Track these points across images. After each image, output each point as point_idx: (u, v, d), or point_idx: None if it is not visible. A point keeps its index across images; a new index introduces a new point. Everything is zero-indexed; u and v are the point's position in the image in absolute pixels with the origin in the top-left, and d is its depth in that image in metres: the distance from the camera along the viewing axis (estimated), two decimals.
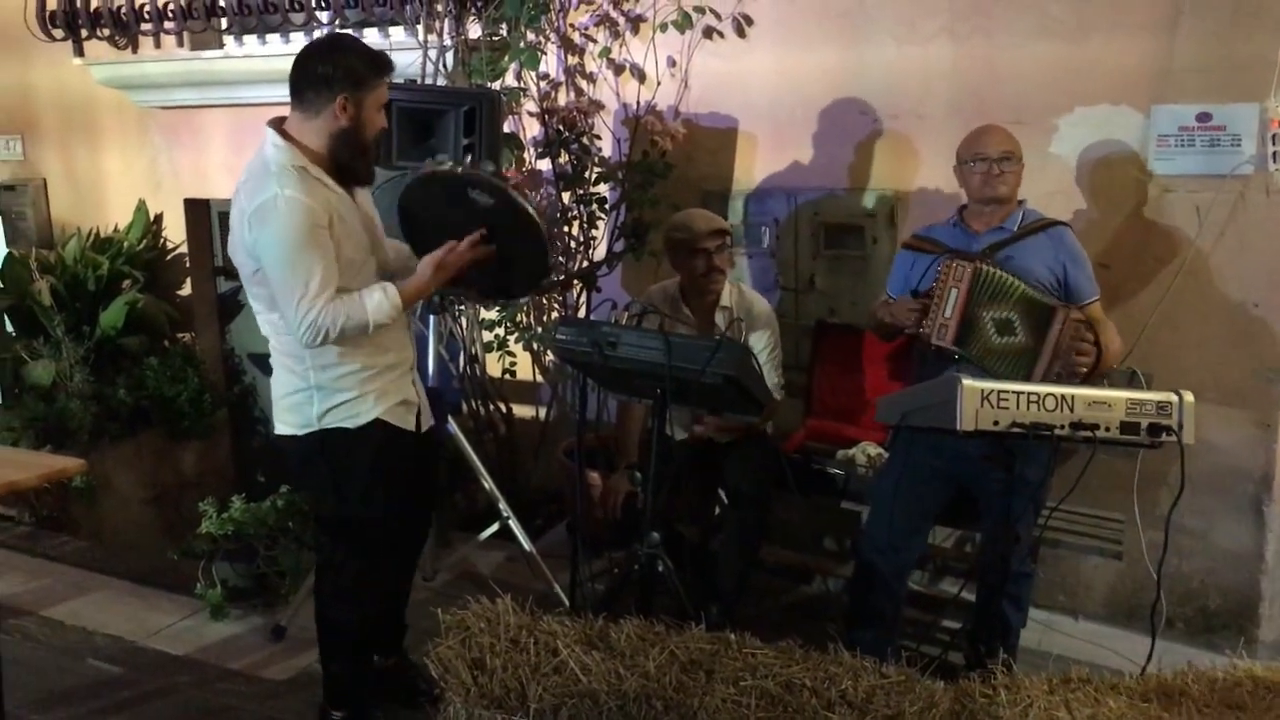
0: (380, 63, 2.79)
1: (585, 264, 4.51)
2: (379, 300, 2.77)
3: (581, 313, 4.48)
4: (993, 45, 3.94)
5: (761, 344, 3.70)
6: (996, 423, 2.50)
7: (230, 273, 5.89)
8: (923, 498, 3.32)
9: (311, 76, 2.73)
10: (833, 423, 4.20)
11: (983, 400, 2.49)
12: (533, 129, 4.55)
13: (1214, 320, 3.79)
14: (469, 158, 3.05)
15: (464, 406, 4.80)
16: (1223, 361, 3.80)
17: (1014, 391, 2.51)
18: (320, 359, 2.83)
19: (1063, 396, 2.52)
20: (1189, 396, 2.61)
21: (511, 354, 4.73)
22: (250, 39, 5.02)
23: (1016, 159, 3.26)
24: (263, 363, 5.83)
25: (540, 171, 4.52)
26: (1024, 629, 3.50)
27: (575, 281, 4.28)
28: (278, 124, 2.79)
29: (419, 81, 4.39)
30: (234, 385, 5.95)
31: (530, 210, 2.91)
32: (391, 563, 3.21)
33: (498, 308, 4.51)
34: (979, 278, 3.05)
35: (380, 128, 2.84)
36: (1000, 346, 3.09)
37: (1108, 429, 2.54)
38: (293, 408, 2.91)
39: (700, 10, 4.25)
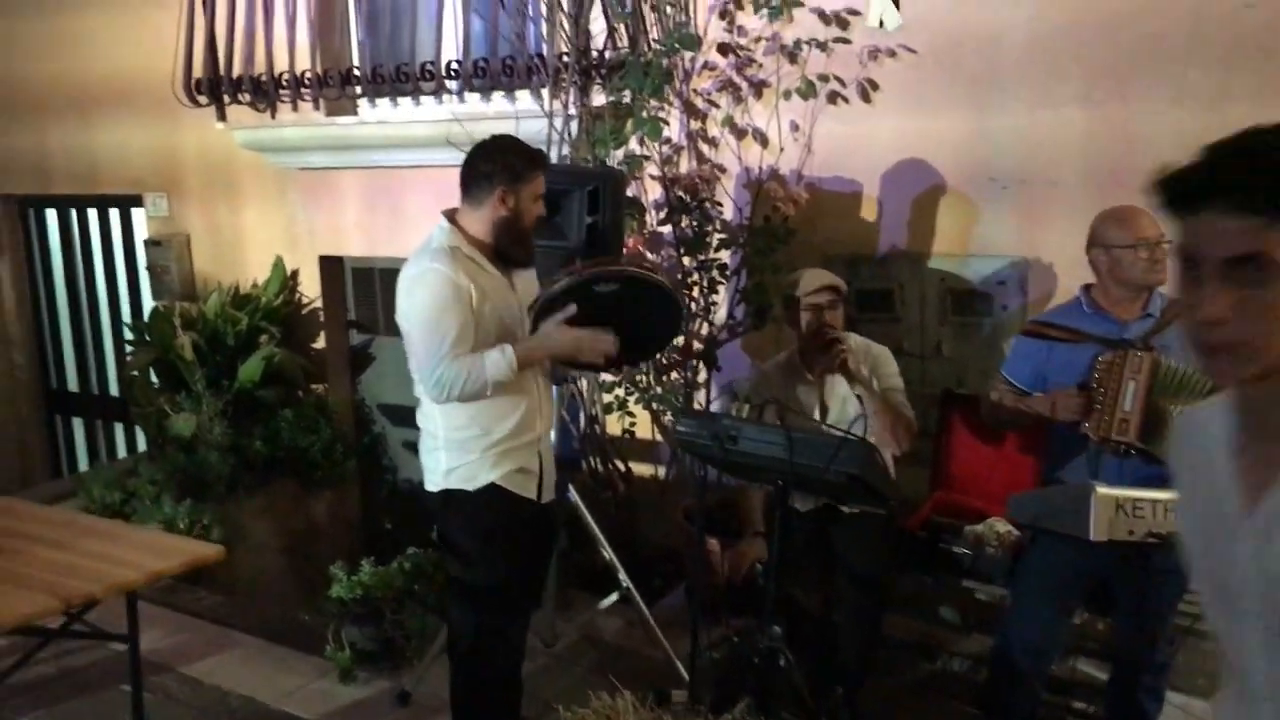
0: (535, 159, 3.13)
1: (706, 328, 4.52)
2: (495, 358, 3.02)
3: (701, 392, 4.51)
4: (1128, 112, 3.82)
5: (890, 381, 3.66)
6: (1131, 532, 2.41)
7: (362, 326, 6.07)
8: (1066, 597, 3.20)
9: (475, 173, 3.10)
10: (960, 495, 4.10)
11: (1117, 509, 2.40)
12: (654, 191, 4.58)
13: None
14: (577, 262, 3.23)
15: (583, 465, 4.84)
16: None
17: (1150, 500, 2.41)
18: (451, 419, 3.13)
19: None
20: None
21: (631, 414, 4.75)
22: (383, 104, 5.17)
23: (1167, 240, 3.14)
24: (392, 412, 6.02)
25: (661, 234, 4.54)
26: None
27: (695, 359, 4.28)
28: (450, 213, 3.16)
29: (545, 148, 4.46)
30: (364, 435, 6.11)
31: (651, 274, 3.20)
32: (510, 626, 3.31)
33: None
34: (1159, 369, 2.92)
35: (538, 215, 3.16)
36: None
37: None
38: (429, 463, 3.22)
39: (824, 78, 4.22)
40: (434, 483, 3.21)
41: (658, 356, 4.58)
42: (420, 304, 3.02)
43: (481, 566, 3.17)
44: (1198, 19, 3.67)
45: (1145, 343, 3.02)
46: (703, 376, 4.53)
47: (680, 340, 4.56)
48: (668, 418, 4.90)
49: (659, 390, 4.73)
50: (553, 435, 3.59)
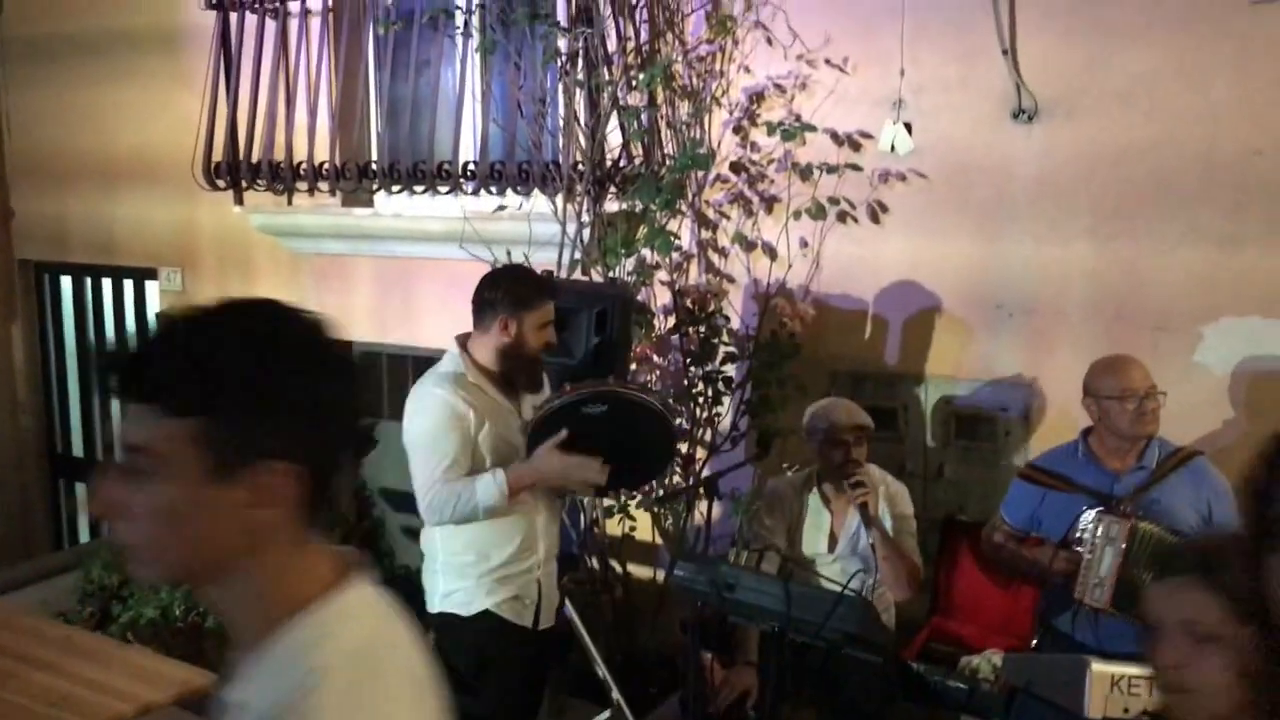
0: (541, 288, 3.20)
1: (708, 437, 4.53)
2: (486, 481, 3.05)
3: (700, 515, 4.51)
4: (1137, 249, 3.85)
5: (904, 524, 3.68)
6: (1126, 710, 2.39)
7: (369, 410, 6.08)
8: None
9: (481, 300, 3.17)
10: (958, 624, 4.08)
11: (1113, 686, 2.39)
12: (664, 296, 4.61)
13: None
14: (566, 385, 3.25)
15: (580, 566, 4.82)
16: None
17: (1146, 677, 2.39)
18: (449, 543, 3.18)
19: None
20: None
21: (632, 517, 4.74)
22: (399, 197, 5.22)
23: (1160, 391, 3.15)
24: (392, 497, 6.01)
25: (669, 340, 4.57)
26: None
27: (696, 482, 4.28)
28: (463, 339, 3.24)
29: (558, 253, 4.50)
30: (364, 519, 6.10)
31: (639, 395, 3.23)
32: None
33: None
34: (1135, 536, 2.93)
35: (545, 343, 3.20)
36: None
37: None
38: (428, 585, 3.27)
39: (835, 201, 4.27)
40: (432, 604, 3.23)
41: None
42: (419, 428, 3.10)
43: (476, 694, 3.16)
44: (1208, 161, 3.71)
45: (1132, 501, 3.03)
46: (703, 506, 4.53)
47: (684, 448, 4.58)
48: (668, 520, 4.90)
49: (660, 494, 4.73)
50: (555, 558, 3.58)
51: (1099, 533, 2.97)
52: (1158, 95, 3.75)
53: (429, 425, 3.06)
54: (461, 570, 3.16)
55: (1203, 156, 3.71)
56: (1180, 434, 3.48)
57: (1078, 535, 3.03)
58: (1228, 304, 3.72)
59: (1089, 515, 3.01)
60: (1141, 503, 3.05)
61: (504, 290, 3.14)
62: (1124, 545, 2.93)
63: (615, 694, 3.88)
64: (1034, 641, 3.49)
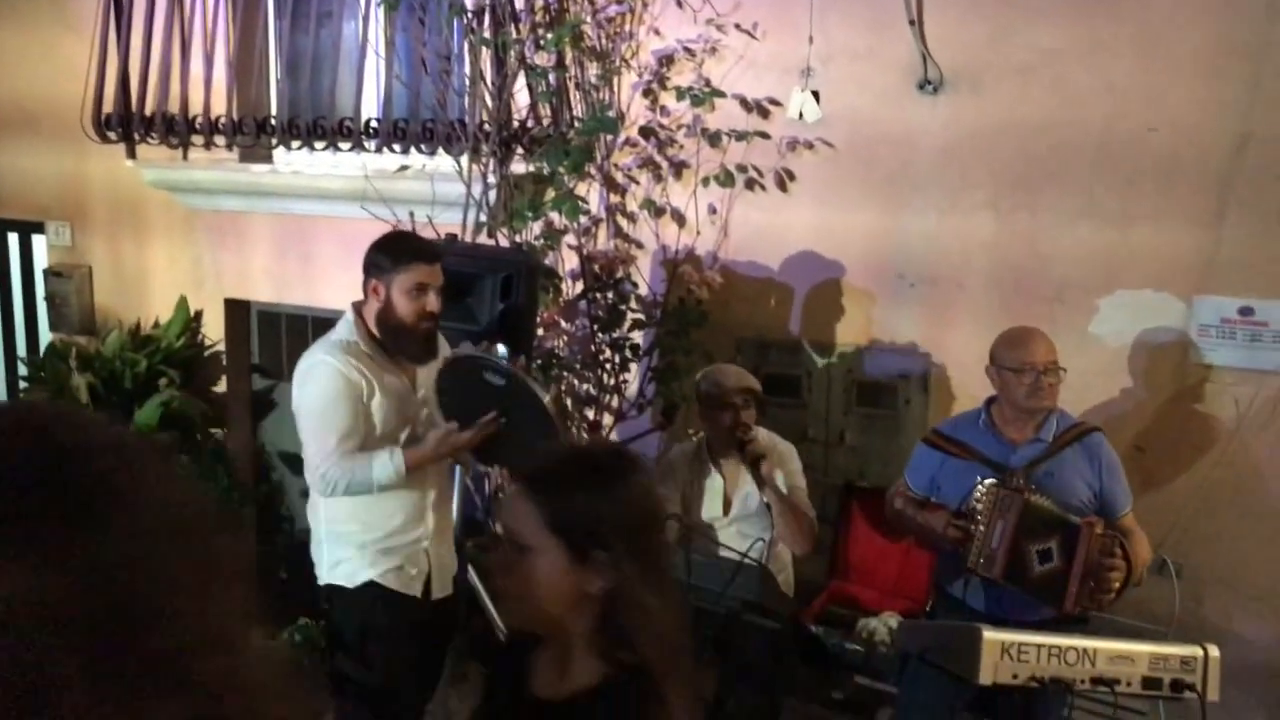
0: (415, 251, 3.09)
1: (615, 403, 4.52)
2: (383, 460, 2.99)
3: None
4: (1036, 223, 3.92)
5: (794, 480, 3.72)
6: (1015, 676, 2.46)
7: (265, 371, 5.95)
8: (947, 700, 3.25)
9: (363, 264, 3.09)
10: (856, 586, 4.16)
11: (1003, 653, 2.45)
12: (572, 261, 4.57)
13: (1250, 514, 3.73)
14: (484, 343, 3.20)
15: (486, 531, 4.79)
16: (1258, 556, 3.74)
17: (1035, 644, 2.46)
18: (331, 513, 3.13)
19: (1084, 650, 2.48)
20: (1214, 651, 2.55)
21: None
22: (299, 153, 5.08)
23: (1060, 368, 3.21)
24: (292, 460, 5.89)
25: (576, 304, 4.53)
26: None
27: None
28: (358, 305, 3.15)
29: (463, 215, 4.42)
30: (262, 483, 5.98)
31: (538, 393, 3.13)
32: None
33: None
34: (1027, 511, 3.00)
35: (420, 309, 3.06)
36: (1040, 575, 3.04)
37: (1129, 684, 2.49)
38: (315, 555, 3.21)
39: (743, 168, 4.27)
40: (320, 575, 3.19)
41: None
42: (309, 398, 3.03)
43: (366, 664, 3.14)
44: (1106, 138, 3.78)
45: (1025, 473, 3.10)
46: None
47: (591, 414, 4.57)
48: None
49: None
50: (455, 520, 3.55)
51: (992, 505, 3.03)
52: (1059, 71, 3.82)
53: (320, 396, 2.99)
54: (344, 539, 3.11)
55: (1101, 133, 3.78)
56: (1075, 403, 3.58)
57: (972, 505, 3.09)
58: (1122, 277, 3.82)
59: (982, 487, 3.07)
60: (1035, 475, 3.12)
61: (375, 252, 3.07)
62: (1015, 519, 2.99)
63: None
64: (928, 606, 3.56)
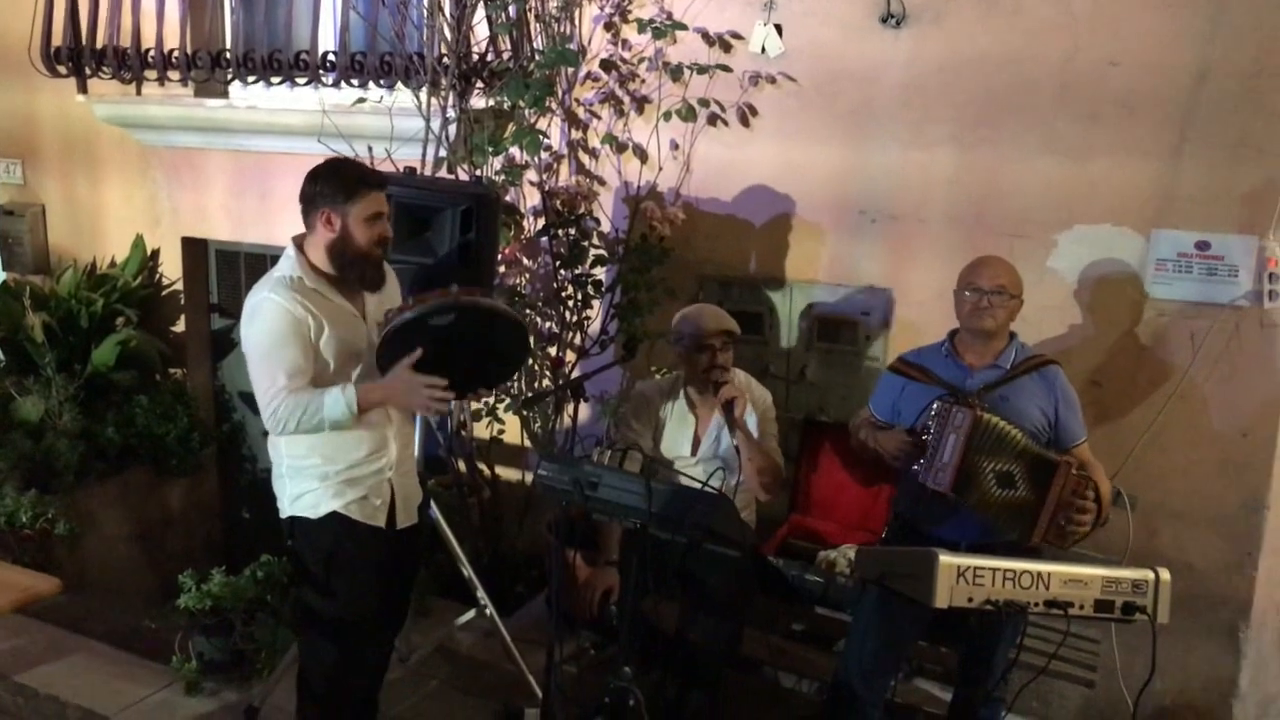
0: (364, 178, 3.03)
1: (578, 340, 4.52)
2: (335, 397, 2.95)
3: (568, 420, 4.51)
4: (998, 157, 3.92)
5: (767, 427, 3.75)
6: (970, 599, 2.49)
7: (225, 311, 5.89)
8: (901, 626, 3.32)
9: (305, 196, 3.03)
10: (817, 520, 4.20)
11: (958, 577, 2.48)
12: (533, 197, 4.53)
13: (1203, 446, 3.79)
14: (410, 300, 3.12)
15: (449, 469, 4.79)
16: (1209, 488, 3.81)
17: (989, 569, 2.50)
18: (291, 449, 3.11)
19: (1038, 574, 2.52)
20: (1165, 575, 2.59)
21: (500, 420, 4.72)
22: (255, 88, 4.99)
23: (1009, 294, 3.22)
24: (253, 400, 5.84)
25: (538, 241, 4.51)
26: None
27: (565, 382, 4.27)
28: (300, 239, 3.08)
29: (422, 150, 4.37)
30: (223, 423, 5.95)
31: (485, 301, 3.12)
32: (366, 653, 3.27)
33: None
34: (979, 426, 3.04)
35: (375, 237, 3.03)
36: (1001, 499, 3.08)
37: (1081, 607, 2.53)
38: (277, 489, 3.19)
39: (705, 103, 4.24)
40: (283, 508, 3.17)
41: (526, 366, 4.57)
42: (256, 335, 2.97)
43: (331, 596, 3.13)
44: (1066, 71, 3.78)
45: (980, 394, 3.14)
46: (571, 409, 4.53)
47: (552, 350, 4.56)
48: (537, 424, 4.89)
49: (528, 396, 4.71)
50: (416, 454, 3.54)
51: (945, 420, 3.07)
52: (1021, 3, 3.80)
53: (267, 333, 2.94)
54: (306, 472, 3.08)
55: (1062, 67, 3.78)
56: (1032, 337, 3.62)
57: (925, 423, 3.13)
58: (1081, 212, 3.84)
59: (937, 404, 3.11)
60: (990, 398, 3.16)
61: (324, 182, 2.99)
62: (967, 433, 3.04)
63: (480, 594, 3.89)
64: (883, 533, 3.61)
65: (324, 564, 3.12)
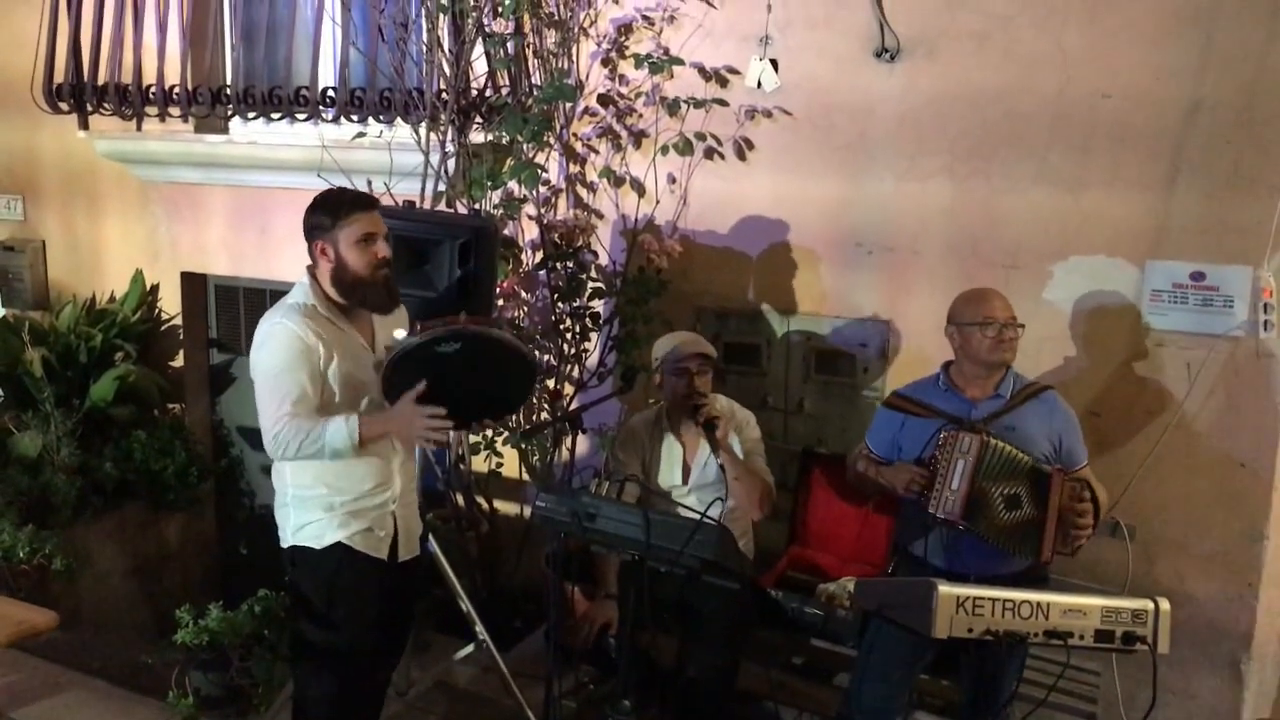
0: (353, 202, 3.07)
1: (576, 371, 4.52)
2: (337, 425, 2.96)
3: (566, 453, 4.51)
4: (991, 188, 3.95)
5: (752, 446, 3.76)
6: (970, 630, 2.48)
7: (224, 345, 5.90)
8: (909, 663, 3.31)
9: (304, 231, 3.07)
10: (816, 552, 4.19)
11: (958, 607, 2.47)
12: (531, 231, 4.56)
13: (1201, 476, 3.79)
14: (417, 325, 3.15)
15: (447, 502, 4.78)
16: (1208, 518, 3.80)
17: (989, 599, 2.49)
18: (298, 478, 3.10)
19: (1038, 604, 2.50)
20: (1165, 604, 2.58)
21: (499, 454, 4.72)
22: (255, 124, 5.03)
23: (1018, 323, 3.26)
24: (251, 435, 5.86)
25: (536, 274, 4.52)
26: None
27: (563, 416, 4.27)
28: (312, 269, 3.10)
29: (421, 184, 4.40)
30: (221, 457, 5.94)
31: (493, 331, 3.13)
32: (364, 685, 3.26)
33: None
34: (986, 450, 3.05)
35: (372, 259, 3.04)
36: (1008, 522, 3.09)
37: (1081, 637, 2.52)
38: (280, 518, 3.18)
39: (701, 137, 4.27)
40: (284, 538, 3.16)
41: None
42: (266, 360, 2.99)
43: (331, 627, 3.12)
44: (1060, 103, 3.81)
45: (987, 424, 3.15)
46: (569, 441, 4.53)
47: (550, 383, 4.56)
48: (535, 458, 4.89)
49: (527, 428, 4.71)
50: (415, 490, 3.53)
51: (952, 447, 3.07)
52: (1013, 37, 3.84)
53: (276, 358, 2.96)
54: (310, 503, 3.08)
55: (1054, 99, 3.81)
56: (1030, 369, 3.62)
57: (933, 454, 3.13)
58: (1076, 243, 3.86)
59: (943, 433, 3.12)
60: (996, 427, 3.16)
61: (312, 214, 3.03)
62: (975, 458, 3.04)
63: (479, 628, 3.87)
64: (889, 569, 3.59)
65: (325, 595, 3.12)
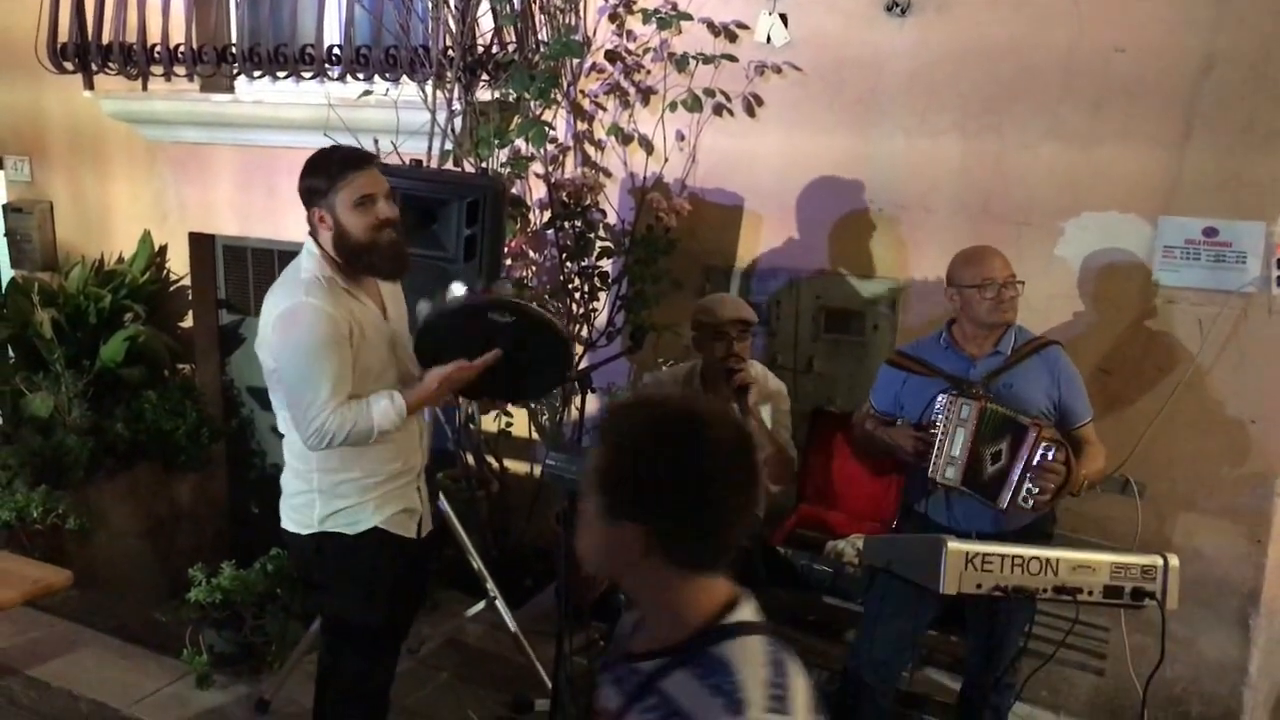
0: (347, 161, 2.84)
1: (585, 332, 4.52)
2: (385, 407, 2.81)
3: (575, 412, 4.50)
4: (1003, 144, 3.91)
5: (780, 419, 3.72)
6: (979, 585, 2.50)
7: (233, 306, 5.90)
8: (915, 617, 3.32)
9: (302, 199, 2.86)
10: (824, 509, 4.20)
11: (967, 563, 2.49)
12: (539, 190, 4.53)
13: (1211, 433, 3.78)
14: (479, 284, 3.06)
15: (457, 462, 4.80)
16: (1218, 474, 3.80)
17: (998, 554, 2.51)
18: (325, 463, 2.90)
19: (1047, 560, 2.53)
20: (1174, 560, 2.60)
21: (508, 413, 4.73)
22: (261, 83, 5.00)
23: (1017, 280, 3.23)
24: (261, 395, 5.88)
25: (545, 234, 4.51)
26: None
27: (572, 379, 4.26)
28: (315, 237, 2.89)
29: (428, 143, 4.38)
30: (232, 418, 5.97)
31: (550, 319, 3.05)
32: (392, 658, 3.25)
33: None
34: (985, 417, 3.04)
35: (374, 220, 2.83)
36: (991, 474, 3.08)
37: (1090, 593, 2.54)
38: (298, 507, 2.98)
39: (710, 93, 4.23)
40: (303, 525, 2.96)
41: None
42: (295, 344, 2.75)
43: (362, 610, 3.01)
44: (1071, 57, 3.77)
45: (985, 383, 3.14)
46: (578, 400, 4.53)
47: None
48: (544, 416, 4.90)
49: None
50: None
51: (952, 413, 3.06)
52: None
53: (307, 341, 2.73)
54: (341, 488, 2.91)
55: (1066, 54, 3.76)
56: (1040, 325, 3.61)
57: (933, 418, 3.12)
58: (1088, 199, 3.83)
59: (943, 398, 3.10)
60: (994, 386, 3.15)
61: (306, 180, 2.82)
62: (975, 425, 3.03)
63: (490, 586, 3.90)
64: (894, 525, 3.61)
65: (365, 582, 2.98)
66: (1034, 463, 3.00)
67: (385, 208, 2.86)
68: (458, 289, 3.06)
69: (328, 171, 2.81)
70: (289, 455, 2.98)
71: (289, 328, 2.75)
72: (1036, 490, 2.99)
